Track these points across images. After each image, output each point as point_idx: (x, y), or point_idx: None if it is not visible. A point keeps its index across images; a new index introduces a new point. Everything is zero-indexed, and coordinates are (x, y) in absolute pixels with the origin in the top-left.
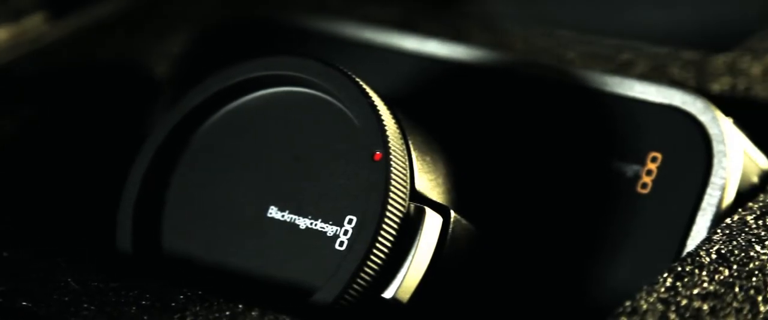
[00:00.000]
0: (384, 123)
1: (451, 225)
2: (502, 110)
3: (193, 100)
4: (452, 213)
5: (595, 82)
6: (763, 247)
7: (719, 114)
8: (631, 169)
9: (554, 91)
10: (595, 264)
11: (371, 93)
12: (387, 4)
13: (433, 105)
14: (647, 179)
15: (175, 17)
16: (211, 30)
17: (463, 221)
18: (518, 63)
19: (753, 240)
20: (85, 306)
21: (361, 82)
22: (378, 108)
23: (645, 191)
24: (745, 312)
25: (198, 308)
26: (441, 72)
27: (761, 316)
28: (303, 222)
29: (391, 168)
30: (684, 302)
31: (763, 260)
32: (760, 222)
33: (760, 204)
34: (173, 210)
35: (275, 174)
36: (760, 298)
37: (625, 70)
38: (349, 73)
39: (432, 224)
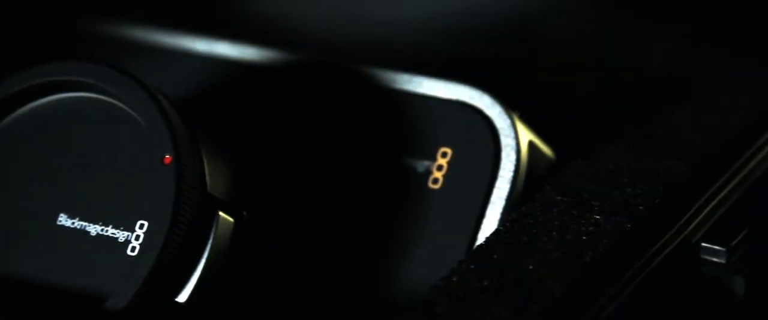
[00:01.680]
0: (173, 126)
1: (243, 227)
2: (293, 109)
3: None
4: (244, 214)
5: (384, 79)
6: (549, 238)
7: (506, 108)
8: (421, 165)
9: (345, 89)
10: (389, 259)
11: (159, 96)
12: (179, 6)
13: (224, 106)
14: (438, 174)
15: None
16: None
17: (256, 221)
18: (308, 62)
19: (539, 231)
20: None
21: (148, 86)
22: (166, 111)
23: (436, 186)
24: (532, 301)
25: None
26: (232, 73)
27: (548, 305)
28: (94, 229)
29: (181, 172)
30: (473, 295)
31: (548, 250)
32: (547, 213)
33: (547, 195)
34: None
35: (64, 181)
36: (546, 288)
37: (415, 67)
38: (136, 76)
39: (224, 226)
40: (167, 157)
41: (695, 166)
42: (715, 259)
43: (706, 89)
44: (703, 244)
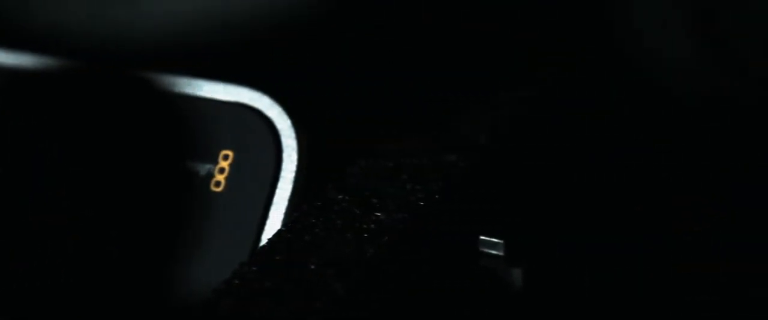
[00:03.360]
0: None
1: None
2: (70, 115)
3: None
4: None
5: (163, 83)
6: (331, 237)
7: (286, 109)
8: (204, 168)
9: (123, 94)
10: (173, 264)
11: None
12: None
13: (2, 115)
14: (220, 177)
15: None
16: None
17: (32, 230)
18: (85, 68)
19: (321, 230)
20: None
21: None
22: None
23: (219, 189)
24: (315, 301)
25: None
26: (5, 80)
27: (331, 304)
28: None
29: None
30: (255, 297)
31: (330, 248)
32: (328, 212)
33: (328, 194)
34: None
35: None
36: (329, 287)
37: (194, 70)
38: None
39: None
40: None
41: (473, 161)
42: (493, 252)
43: (485, 85)
44: (482, 237)
